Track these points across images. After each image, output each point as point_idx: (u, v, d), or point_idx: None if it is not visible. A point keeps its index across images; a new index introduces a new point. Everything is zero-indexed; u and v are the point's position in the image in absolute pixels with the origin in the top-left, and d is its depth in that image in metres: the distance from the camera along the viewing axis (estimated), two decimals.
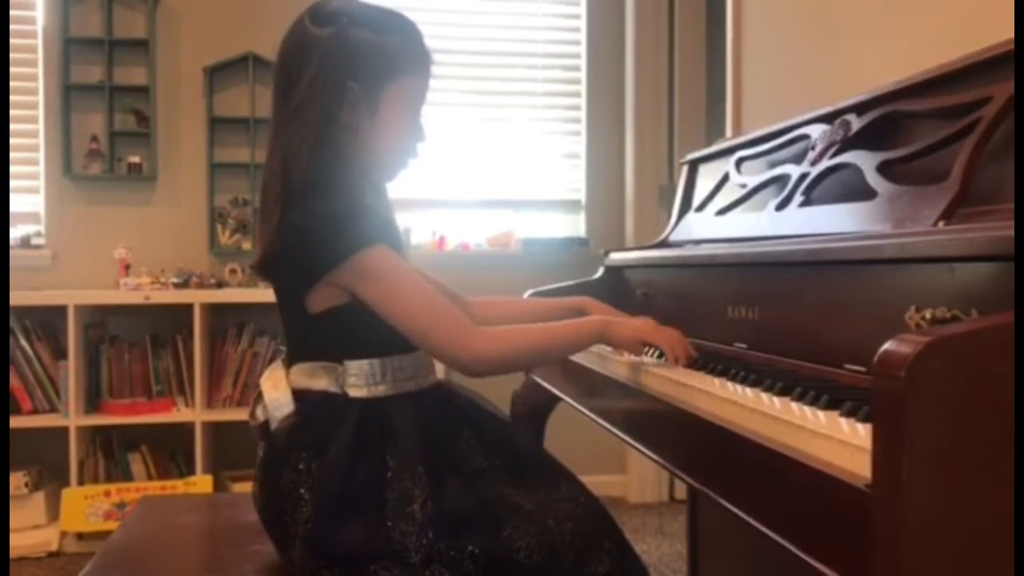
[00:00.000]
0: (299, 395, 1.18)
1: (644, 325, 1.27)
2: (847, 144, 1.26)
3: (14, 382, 3.04)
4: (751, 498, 0.90)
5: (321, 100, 1.15)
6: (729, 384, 1.08)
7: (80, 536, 2.95)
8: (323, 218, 1.12)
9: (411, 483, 1.10)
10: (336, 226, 1.12)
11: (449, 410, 1.21)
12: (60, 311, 2.98)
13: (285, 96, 1.18)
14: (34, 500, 2.99)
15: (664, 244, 1.82)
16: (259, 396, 1.22)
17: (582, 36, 3.70)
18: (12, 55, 3.26)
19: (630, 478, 3.60)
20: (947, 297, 0.87)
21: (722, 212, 1.60)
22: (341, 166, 1.16)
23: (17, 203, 3.29)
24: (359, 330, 1.16)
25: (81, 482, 2.99)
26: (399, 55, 1.20)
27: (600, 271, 1.92)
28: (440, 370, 1.32)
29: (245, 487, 2.78)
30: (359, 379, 1.17)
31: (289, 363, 1.22)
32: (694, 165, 1.89)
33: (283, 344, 1.27)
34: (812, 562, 0.76)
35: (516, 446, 1.24)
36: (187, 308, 3.05)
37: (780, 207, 1.35)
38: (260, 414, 1.21)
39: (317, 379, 1.18)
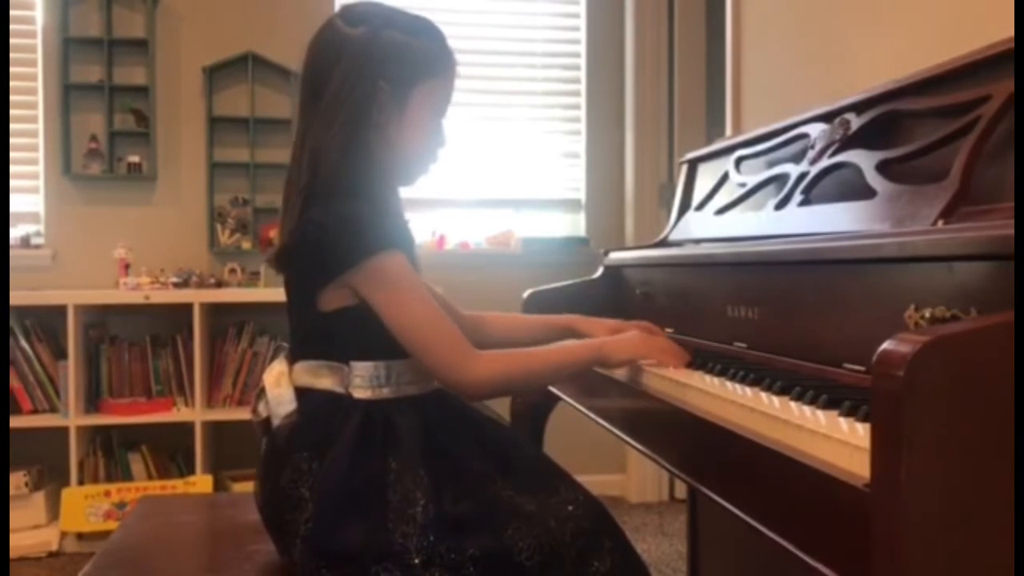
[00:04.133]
0: (302, 393, 1.18)
1: (634, 344, 1.28)
2: (846, 143, 1.26)
3: (14, 382, 3.04)
4: (750, 498, 0.90)
5: (353, 99, 1.16)
6: (728, 383, 1.08)
7: (80, 536, 2.95)
8: (345, 218, 1.12)
9: (413, 485, 1.10)
10: (357, 228, 1.12)
11: (449, 415, 1.21)
12: (60, 311, 2.97)
13: (316, 94, 1.18)
14: (34, 500, 2.99)
15: (664, 243, 1.82)
16: (261, 392, 1.22)
17: (582, 36, 3.69)
18: (12, 55, 3.26)
19: (630, 478, 3.60)
20: (946, 296, 0.87)
21: (722, 211, 1.60)
22: (369, 167, 1.17)
23: (17, 203, 3.29)
24: (367, 332, 1.16)
25: (81, 482, 2.99)
26: (428, 57, 1.21)
27: (600, 270, 1.92)
28: None
29: (245, 487, 2.78)
30: (364, 381, 1.17)
31: (293, 360, 1.22)
32: (694, 164, 1.89)
33: (285, 340, 1.27)
34: (811, 562, 0.76)
35: (515, 450, 1.25)
36: (187, 308, 3.05)
37: (779, 206, 1.35)
38: (262, 410, 1.21)
39: (322, 378, 1.18)
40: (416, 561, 1.06)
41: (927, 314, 0.88)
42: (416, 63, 1.19)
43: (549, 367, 1.27)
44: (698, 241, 1.67)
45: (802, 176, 1.33)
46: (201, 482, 3.01)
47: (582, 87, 3.70)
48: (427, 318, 1.15)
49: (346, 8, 1.22)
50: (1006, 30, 1.03)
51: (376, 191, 1.17)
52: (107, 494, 2.94)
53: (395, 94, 1.18)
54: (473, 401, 1.24)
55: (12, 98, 3.25)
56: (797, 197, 1.32)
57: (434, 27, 1.24)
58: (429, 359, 1.16)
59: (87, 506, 2.91)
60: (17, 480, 2.96)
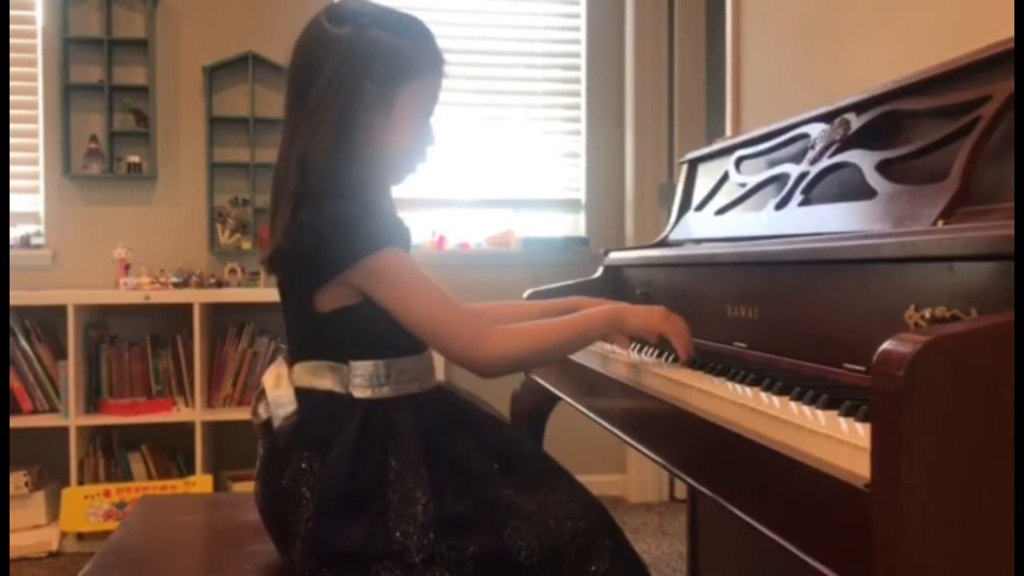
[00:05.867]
0: (302, 394, 1.18)
1: (657, 314, 1.26)
2: (846, 143, 1.26)
3: (14, 382, 3.04)
4: (750, 498, 0.90)
5: (340, 100, 1.15)
6: (728, 383, 1.08)
7: (80, 536, 2.95)
8: (338, 219, 1.12)
9: (413, 484, 1.10)
10: (351, 227, 1.12)
11: (449, 413, 1.21)
12: (60, 311, 2.98)
13: (301, 94, 1.18)
14: (34, 500, 2.99)
15: (664, 243, 1.82)
16: (261, 394, 1.22)
17: (582, 36, 3.69)
18: (12, 55, 3.26)
19: (630, 478, 3.60)
20: (946, 296, 0.87)
21: (722, 211, 1.60)
22: (357, 167, 1.17)
23: (17, 203, 3.29)
24: (366, 331, 1.16)
25: (81, 482, 2.99)
26: (415, 57, 1.20)
27: (600, 270, 1.92)
28: (440, 373, 1.33)
29: (245, 487, 2.78)
30: (364, 380, 1.17)
31: (291, 361, 1.22)
32: (694, 164, 1.89)
33: (284, 342, 1.27)
34: (811, 562, 0.76)
35: (515, 448, 1.24)
36: (187, 308, 3.05)
37: (779, 206, 1.35)
38: (262, 412, 1.21)
39: (322, 378, 1.18)
40: (416, 560, 1.06)
41: (927, 314, 0.88)
42: (402, 63, 1.19)
43: (566, 336, 1.24)
44: (698, 241, 1.67)
45: (802, 176, 1.33)
46: (201, 482, 3.00)
47: (582, 87, 3.70)
48: (437, 303, 1.15)
49: (332, 7, 1.21)
50: (1006, 30, 1.03)
51: (365, 191, 1.17)
52: (107, 494, 2.94)
53: (381, 95, 1.17)
54: (491, 378, 1.21)
55: (12, 98, 3.25)
56: (797, 197, 1.32)
57: (421, 26, 1.23)
58: (444, 342, 1.16)
59: (87, 506, 2.91)
60: (17, 480, 2.96)
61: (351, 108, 1.16)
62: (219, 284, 3.23)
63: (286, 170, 1.18)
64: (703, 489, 1.01)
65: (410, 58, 1.20)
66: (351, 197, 1.14)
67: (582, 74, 3.70)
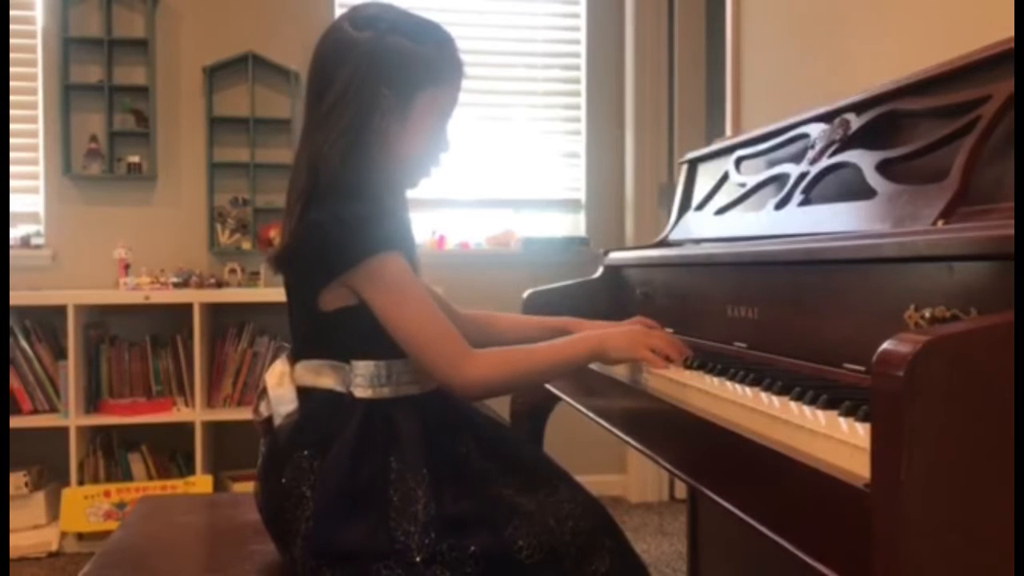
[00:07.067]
0: (304, 392, 1.19)
1: (634, 337, 1.25)
2: (846, 143, 1.26)
3: (14, 382, 3.04)
4: (750, 498, 0.90)
5: (355, 104, 1.16)
6: (728, 383, 1.08)
7: (80, 536, 2.95)
8: (345, 218, 1.12)
9: (414, 483, 1.10)
10: (357, 227, 1.12)
11: (450, 414, 1.22)
12: (60, 311, 2.98)
13: (319, 97, 1.18)
14: (34, 500, 2.99)
15: (664, 243, 1.82)
16: (263, 392, 1.22)
17: (582, 36, 3.70)
18: (12, 55, 3.26)
19: (630, 478, 3.60)
20: (946, 296, 0.87)
21: (721, 211, 1.60)
22: (369, 170, 1.17)
23: (17, 203, 3.29)
24: (369, 331, 1.16)
25: (81, 482, 2.99)
26: (433, 64, 1.21)
27: (600, 270, 1.92)
28: None
29: (245, 487, 2.78)
30: (365, 379, 1.17)
31: (294, 359, 1.22)
32: (694, 164, 1.89)
33: (286, 341, 1.27)
34: (811, 562, 0.76)
35: (514, 449, 1.25)
36: (187, 308, 3.05)
37: (779, 206, 1.35)
38: (264, 410, 1.21)
39: (323, 377, 1.19)
40: (417, 559, 1.06)
41: (927, 314, 0.88)
42: (420, 70, 1.19)
43: (547, 364, 1.25)
44: (698, 241, 1.67)
45: (802, 176, 1.33)
46: (201, 482, 3.00)
47: (582, 87, 3.70)
48: (424, 318, 1.15)
49: (355, 10, 1.22)
50: (1006, 30, 1.03)
51: (376, 193, 1.17)
52: (107, 494, 2.94)
53: (398, 101, 1.18)
54: (471, 401, 1.24)
55: (12, 98, 3.25)
56: (797, 197, 1.32)
57: (442, 32, 1.23)
58: (426, 359, 1.16)
59: (87, 506, 2.91)
60: (17, 480, 2.96)
61: (367, 113, 1.16)
62: (219, 284, 3.23)
63: (298, 170, 1.19)
64: (703, 489, 1.01)
65: (428, 65, 1.20)
66: (362, 198, 1.14)
67: (582, 74, 3.70)
